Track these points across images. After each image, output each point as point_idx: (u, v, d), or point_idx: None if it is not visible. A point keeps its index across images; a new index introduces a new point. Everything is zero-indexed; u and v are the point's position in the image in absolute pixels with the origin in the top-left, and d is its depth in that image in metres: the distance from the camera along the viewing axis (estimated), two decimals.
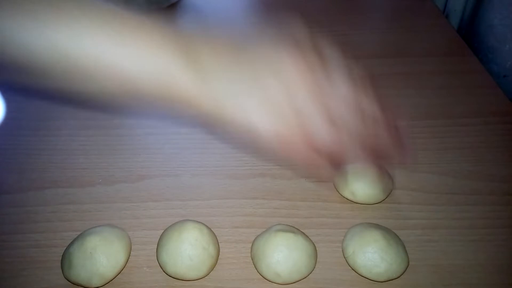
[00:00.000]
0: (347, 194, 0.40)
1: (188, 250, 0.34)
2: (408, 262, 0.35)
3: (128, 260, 0.36)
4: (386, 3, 0.73)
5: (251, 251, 0.36)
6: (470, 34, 0.70)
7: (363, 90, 0.34)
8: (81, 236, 0.36)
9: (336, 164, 0.33)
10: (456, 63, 0.58)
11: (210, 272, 0.35)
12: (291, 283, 0.35)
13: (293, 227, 0.37)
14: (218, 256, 0.36)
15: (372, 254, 0.34)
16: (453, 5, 0.72)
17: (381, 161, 0.36)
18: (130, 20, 0.35)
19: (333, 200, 0.41)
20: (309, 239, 0.36)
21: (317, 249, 0.36)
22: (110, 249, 0.35)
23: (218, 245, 0.37)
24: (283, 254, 0.34)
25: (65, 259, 0.35)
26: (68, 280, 0.35)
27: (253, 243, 0.37)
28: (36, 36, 0.31)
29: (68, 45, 0.31)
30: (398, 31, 0.65)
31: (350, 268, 0.36)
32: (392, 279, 0.34)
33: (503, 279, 0.35)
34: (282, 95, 0.31)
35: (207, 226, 0.37)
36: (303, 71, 0.33)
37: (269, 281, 0.35)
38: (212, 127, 0.49)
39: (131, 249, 0.37)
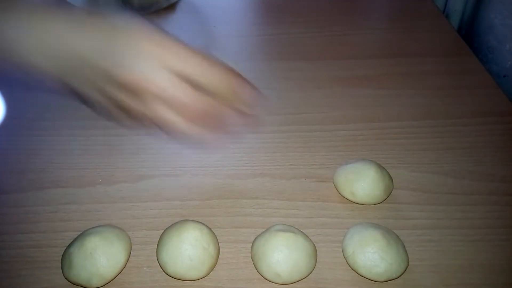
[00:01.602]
0: (347, 194, 0.40)
1: (188, 250, 0.34)
2: (408, 262, 0.35)
3: (128, 260, 0.36)
4: (386, 3, 0.73)
5: (251, 251, 0.36)
6: (470, 34, 0.70)
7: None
8: (81, 236, 0.36)
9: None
10: (456, 63, 0.58)
11: (210, 272, 0.35)
12: (291, 283, 0.35)
13: (293, 227, 0.37)
14: (218, 256, 0.36)
15: (372, 254, 0.34)
16: (453, 5, 0.72)
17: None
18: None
19: (333, 200, 0.41)
20: (309, 239, 0.36)
21: (317, 249, 0.36)
22: (110, 249, 0.35)
23: (218, 245, 0.37)
24: (283, 254, 0.34)
25: (65, 259, 0.35)
26: (68, 280, 0.35)
27: (253, 243, 0.37)
28: None
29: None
30: (398, 31, 0.65)
31: (350, 268, 0.36)
32: (392, 279, 0.34)
33: (503, 279, 0.35)
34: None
35: (207, 226, 0.37)
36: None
37: (269, 281, 0.35)
38: None
39: (131, 249, 0.37)
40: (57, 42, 0.35)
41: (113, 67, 0.34)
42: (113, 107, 0.36)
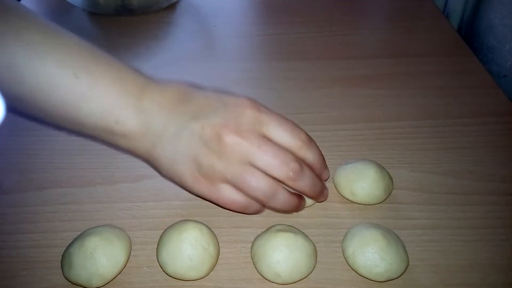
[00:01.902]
0: (347, 194, 0.40)
1: (188, 250, 0.34)
2: (408, 262, 0.35)
3: (128, 260, 0.36)
4: (386, 3, 0.73)
5: (251, 251, 0.36)
6: (470, 34, 0.70)
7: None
8: (81, 236, 0.36)
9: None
10: (456, 63, 0.58)
11: (210, 272, 0.35)
12: (291, 283, 0.35)
13: (293, 227, 0.37)
14: (218, 256, 0.36)
15: (372, 254, 0.34)
16: (453, 5, 0.72)
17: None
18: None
19: (333, 200, 0.41)
20: (309, 239, 0.36)
21: (317, 249, 0.36)
22: (110, 249, 0.35)
23: (218, 245, 0.37)
24: (283, 254, 0.34)
25: (65, 259, 0.35)
26: (68, 280, 0.35)
27: (253, 243, 0.37)
28: None
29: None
30: (398, 31, 0.65)
31: (350, 268, 0.36)
32: (392, 279, 0.34)
33: (503, 279, 0.35)
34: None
35: (207, 226, 0.37)
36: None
37: (269, 281, 0.35)
38: None
39: (131, 249, 0.37)
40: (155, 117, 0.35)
41: (213, 125, 0.34)
42: (196, 174, 0.36)
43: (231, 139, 0.34)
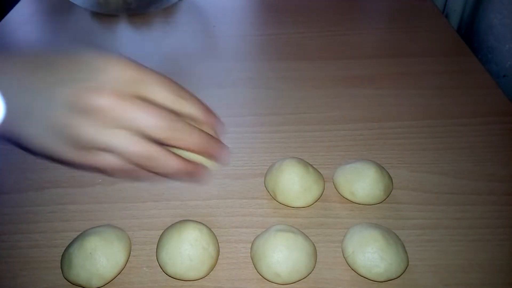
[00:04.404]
0: (347, 194, 0.40)
1: (188, 250, 0.34)
2: (408, 262, 0.35)
3: (128, 260, 0.36)
4: (386, 3, 0.73)
5: (251, 251, 0.36)
6: (470, 34, 0.70)
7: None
8: (81, 236, 0.36)
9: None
10: (456, 63, 0.58)
11: (210, 272, 0.36)
12: (291, 283, 0.35)
13: (293, 227, 0.37)
14: (218, 256, 0.36)
15: (371, 254, 0.34)
16: (453, 5, 0.72)
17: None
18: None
19: (333, 200, 0.41)
20: (309, 239, 0.36)
21: (317, 249, 0.36)
22: (110, 249, 0.35)
23: (218, 245, 0.37)
24: (283, 254, 0.34)
25: (64, 259, 0.35)
26: (67, 280, 0.35)
27: (253, 243, 0.37)
28: None
29: None
30: (398, 31, 0.65)
31: (349, 268, 0.36)
32: (391, 279, 0.35)
33: (503, 279, 0.35)
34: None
35: (207, 226, 0.37)
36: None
37: (269, 281, 0.35)
38: None
39: (131, 249, 0.37)
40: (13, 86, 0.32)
41: (81, 89, 0.31)
42: (69, 144, 0.32)
43: (103, 103, 0.31)
